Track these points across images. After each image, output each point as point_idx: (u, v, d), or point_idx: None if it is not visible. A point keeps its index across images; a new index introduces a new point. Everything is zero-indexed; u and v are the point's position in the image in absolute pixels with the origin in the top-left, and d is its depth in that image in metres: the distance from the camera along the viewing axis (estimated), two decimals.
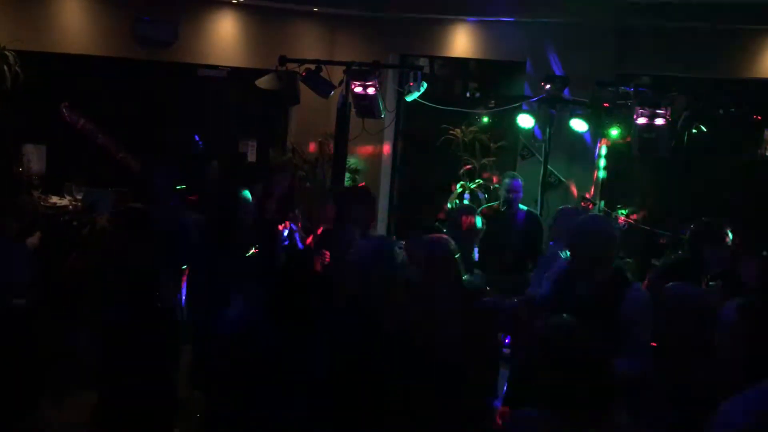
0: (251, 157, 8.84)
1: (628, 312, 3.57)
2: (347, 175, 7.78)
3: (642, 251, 7.03)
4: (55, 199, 7.76)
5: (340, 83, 7.03)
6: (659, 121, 6.10)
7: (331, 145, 7.69)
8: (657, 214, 7.63)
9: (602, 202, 7.41)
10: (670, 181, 7.80)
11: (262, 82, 7.18)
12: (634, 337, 3.50)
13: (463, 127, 7.92)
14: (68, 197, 7.81)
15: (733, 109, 7.45)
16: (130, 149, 6.52)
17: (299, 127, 8.62)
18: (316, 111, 7.90)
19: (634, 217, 7.61)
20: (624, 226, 7.15)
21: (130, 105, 8.30)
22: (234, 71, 8.68)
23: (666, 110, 6.09)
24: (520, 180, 6.64)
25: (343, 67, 6.97)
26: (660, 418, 3.03)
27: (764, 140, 6.74)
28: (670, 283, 3.40)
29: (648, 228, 7.20)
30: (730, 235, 4.65)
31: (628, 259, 6.55)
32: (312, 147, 8.44)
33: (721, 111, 7.38)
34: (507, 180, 6.64)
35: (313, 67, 7.08)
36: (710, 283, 4.58)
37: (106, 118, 7.51)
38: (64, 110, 7.14)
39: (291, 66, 7.14)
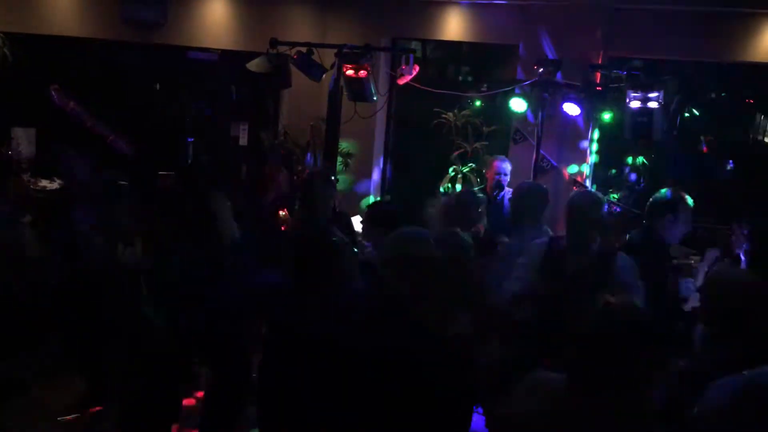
0: (243, 140, 8.80)
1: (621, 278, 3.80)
2: (339, 159, 7.75)
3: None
4: (45, 183, 7.71)
5: (332, 66, 6.98)
6: (652, 105, 6.10)
7: (323, 129, 7.65)
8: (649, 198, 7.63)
9: (594, 186, 7.41)
10: (662, 164, 7.81)
11: (253, 65, 7.12)
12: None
13: (455, 111, 7.90)
14: (58, 180, 7.77)
15: (724, 93, 7.45)
16: (119, 132, 6.48)
17: (291, 110, 8.57)
18: (307, 94, 7.84)
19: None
20: (616, 209, 7.14)
21: (120, 88, 8.24)
22: (225, 54, 8.60)
23: (658, 94, 6.09)
24: (508, 162, 6.63)
25: (335, 51, 6.92)
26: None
27: (757, 124, 6.75)
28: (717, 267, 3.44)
29: (639, 212, 7.20)
30: (691, 202, 4.61)
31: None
32: None
33: (713, 95, 7.38)
34: (496, 162, 6.63)
35: (304, 50, 7.03)
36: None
37: (95, 100, 7.48)
38: (53, 93, 7.10)
39: (282, 49, 7.09)
